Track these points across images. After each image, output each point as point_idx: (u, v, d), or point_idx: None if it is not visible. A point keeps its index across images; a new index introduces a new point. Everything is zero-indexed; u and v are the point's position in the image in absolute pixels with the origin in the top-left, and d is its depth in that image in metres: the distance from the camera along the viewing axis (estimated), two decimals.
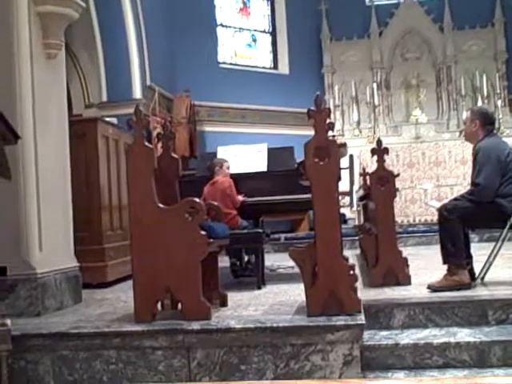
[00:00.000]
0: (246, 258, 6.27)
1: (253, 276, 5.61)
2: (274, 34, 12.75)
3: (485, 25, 12.02)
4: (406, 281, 4.65)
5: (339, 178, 3.63)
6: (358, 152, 10.36)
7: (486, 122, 4.56)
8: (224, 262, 5.57)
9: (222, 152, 5.80)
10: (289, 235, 9.43)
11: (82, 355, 3.55)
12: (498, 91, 11.63)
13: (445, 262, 4.39)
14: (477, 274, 4.56)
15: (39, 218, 4.29)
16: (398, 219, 8.34)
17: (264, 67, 12.54)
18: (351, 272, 3.57)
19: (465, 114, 4.99)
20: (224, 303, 4.15)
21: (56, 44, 4.53)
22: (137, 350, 3.51)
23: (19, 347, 3.53)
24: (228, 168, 5.49)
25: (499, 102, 11.50)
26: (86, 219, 5.52)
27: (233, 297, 4.43)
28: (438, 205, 4.57)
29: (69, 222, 4.74)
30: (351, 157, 8.11)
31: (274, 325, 3.44)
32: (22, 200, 4.21)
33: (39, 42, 4.42)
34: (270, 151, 5.71)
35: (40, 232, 4.29)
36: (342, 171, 3.69)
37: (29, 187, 4.24)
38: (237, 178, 5.41)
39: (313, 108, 3.58)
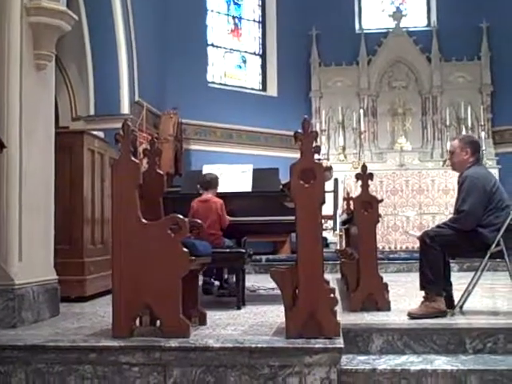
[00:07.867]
0: (225, 277, 6.26)
1: (230, 296, 5.59)
2: (263, 56, 12.86)
3: (471, 58, 12.23)
4: (385, 306, 4.65)
5: (323, 202, 3.64)
6: (343, 177, 10.40)
7: (476, 150, 4.59)
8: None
9: (208, 171, 5.80)
10: (270, 257, 9.41)
11: (57, 369, 3.50)
12: (482, 123, 11.81)
13: (422, 288, 4.40)
14: (456, 303, 4.58)
15: (20, 229, 4.25)
16: (380, 245, 8.36)
17: (253, 88, 12.62)
18: (331, 295, 3.57)
19: (449, 144, 5.01)
20: (203, 321, 4.12)
21: (47, 55, 4.53)
22: (113, 365, 3.46)
23: None
24: None
25: (483, 134, 11.65)
26: (67, 232, 5.49)
27: (212, 316, 4.41)
28: (419, 234, 4.59)
29: (50, 234, 4.70)
30: (336, 181, 8.17)
31: (253, 345, 3.42)
32: (3, 209, 4.18)
33: (30, 52, 4.42)
34: (255, 172, 5.72)
35: (20, 242, 4.25)
36: (326, 195, 3.71)
37: (11, 197, 4.20)
38: (221, 197, 5.41)
39: (300, 130, 3.60)
